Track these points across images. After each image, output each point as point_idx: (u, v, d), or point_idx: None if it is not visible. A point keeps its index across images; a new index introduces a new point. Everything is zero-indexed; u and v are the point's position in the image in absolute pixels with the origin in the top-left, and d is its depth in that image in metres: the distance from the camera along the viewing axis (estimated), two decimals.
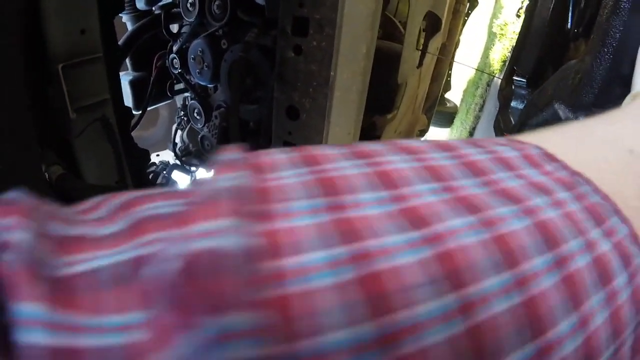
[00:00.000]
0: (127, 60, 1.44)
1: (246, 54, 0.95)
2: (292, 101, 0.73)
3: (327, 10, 0.62)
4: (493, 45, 4.35)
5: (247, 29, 1.00)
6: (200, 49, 1.08)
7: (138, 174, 1.09)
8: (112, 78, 0.92)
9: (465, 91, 5.06)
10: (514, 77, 1.66)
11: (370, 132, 1.06)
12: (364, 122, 1.06)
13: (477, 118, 4.06)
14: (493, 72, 3.98)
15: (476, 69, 4.55)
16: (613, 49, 0.97)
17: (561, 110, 1.10)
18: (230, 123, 0.94)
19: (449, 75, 4.15)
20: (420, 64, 1.11)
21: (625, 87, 0.97)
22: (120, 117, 0.95)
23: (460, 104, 4.97)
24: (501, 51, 3.93)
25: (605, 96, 0.97)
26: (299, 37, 0.67)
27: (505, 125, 1.54)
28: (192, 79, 1.18)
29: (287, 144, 0.78)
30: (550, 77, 1.27)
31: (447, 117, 4.92)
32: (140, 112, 1.32)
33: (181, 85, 1.35)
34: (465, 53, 5.58)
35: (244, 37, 1.00)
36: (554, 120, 1.16)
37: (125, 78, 1.44)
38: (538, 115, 1.20)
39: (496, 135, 1.59)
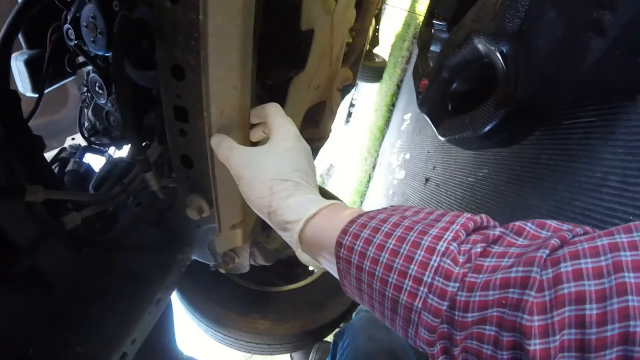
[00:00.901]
0: (20, 37, 1.30)
1: (130, 13, 0.85)
2: (176, 59, 0.64)
3: None
4: None
5: None
6: (91, 14, 0.97)
7: (33, 163, 0.99)
8: None
9: (392, 45, 5.06)
10: (434, 21, 1.62)
11: (285, 88, 0.99)
12: (276, 80, 0.99)
13: (404, 71, 4.07)
14: (419, 25, 3.99)
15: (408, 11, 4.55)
16: None
17: (481, 44, 1.01)
18: (117, 94, 0.85)
19: (377, 31, 4.15)
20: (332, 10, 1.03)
21: (559, 9, 0.84)
22: (1, 106, 0.84)
23: (388, 59, 4.97)
24: (427, 3, 3.92)
25: (535, 21, 0.87)
26: None
27: (424, 70, 1.50)
28: (89, 49, 1.07)
29: (177, 108, 0.70)
30: (470, 10, 1.16)
31: (377, 72, 4.94)
32: (38, 95, 1.19)
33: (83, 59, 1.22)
34: (392, 6, 5.57)
35: None
36: (474, 57, 1.09)
37: (20, 58, 1.30)
38: (456, 54, 1.11)
39: (415, 81, 1.56)
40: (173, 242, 1.17)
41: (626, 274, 0.31)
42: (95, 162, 1.61)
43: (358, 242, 0.48)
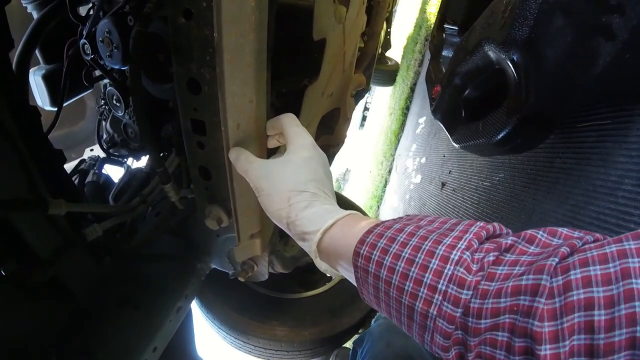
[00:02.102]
0: (38, 53, 1.33)
1: (145, 28, 0.87)
2: (191, 73, 0.65)
3: None
4: None
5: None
6: (106, 29, 0.99)
7: (54, 177, 1.01)
8: (2, 79, 0.83)
9: (405, 48, 5.04)
10: (445, 25, 1.62)
11: (296, 98, 1.00)
12: (291, 89, 1.00)
13: (417, 74, 4.05)
14: (430, 27, 3.97)
15: None
16: None
17: (492, 51, 1.01)
18: (135, 107, 0.87)
19: (388, 34, 4.14)
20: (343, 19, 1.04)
21: (569, 18, 0.85)
22: (21, 120, 0.86)
23: (401, 61, 4.95)
24: (437, 5, 3.90)
25: (543, 28, 0.88)
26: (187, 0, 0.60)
27: (436, 76, 1.50)
28: (105, 63, 1.09)
29: (194, 121, 0.71)
30: (480, 17, 1.16)
31: (390, 76, 4.92)
32: (57, 108, 1.21)
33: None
34: (403, 9, 5.56)
35: (144, 9, 0.92)
36: (485, 64, 1.09)
37: (38, 73, 1.33)
38: (468, 61, 1.12)
39: (428, 86, 1.56)
40: (192, 251, 1.18)
41: (634, 280, 0.32)
42: (114, 172, 1.64)
43: (375, 252, 0.50)
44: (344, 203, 2.50)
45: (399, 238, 0.49)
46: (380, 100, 6.14)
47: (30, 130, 0.94)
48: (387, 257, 0.48)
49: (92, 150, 2.81)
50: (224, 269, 1.21)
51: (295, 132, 0.69)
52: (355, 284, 0.56)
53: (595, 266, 0.34)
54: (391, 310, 0.49)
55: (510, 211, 1.40)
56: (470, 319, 0.41)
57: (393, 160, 4.16)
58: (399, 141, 4.12)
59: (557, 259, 0.37)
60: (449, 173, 2.14)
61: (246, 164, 0.66)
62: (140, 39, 0.84)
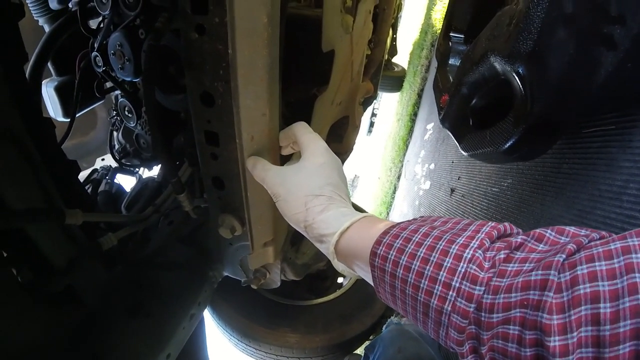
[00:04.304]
0: (50, 66, 1.36)
1: (157, 42, 0.88)
2: (205, 87, 0.67)
3: None
4: (434, 5, 4.33)
5: (159, 13, 0.93)
6: (118, 42, 1.01)
7: (69, 187, 1.02)
8: (18, 91, 0.85)
9: (411, 54, 5.05)
10: (450, 34, 1.63)
11: (310, 106, 1.02)
12: (303, 97, 1.01)
13: (424, 79, 4.05)
14: (436, 33, 3.97)
15: None
16: None
17: (497, 63, 1.03)
18: (148, 117, 0.88)
19: (394, 40, 4.15)
20: (350, 29, 1.06)
21: (570, 30, 0.88)
22: (36, 133, 0.88)
23: (408, 67, 4.96)
24: (443, 11, 3.90)
25: (547, 41, 0.90)
26: (200, 15, 0.62)
27: (444, 84, 1.51)
28: (117, 75, 1.11)
29: (208, 133, 0.73)
30: (485, 28, 1.19)
31: (397, 82, 4.93)
32: (70, 119, 1.23)
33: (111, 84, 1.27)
34: (408, 15, 5.57)
35: (155, 23, 0.94)
36: (491, 74, 1.10)
37: (50, 85, 1.35)
38: (474, 71, 1.14)
39: (435, 95, 1.57)
40: (205, 259, 1.19)
41: (637, 274, 0.34)
42: (126, 182, 1.66)
43: (391, 252, 0.52)
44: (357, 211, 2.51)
45: (414, 238, 0.51)
46: (388, 107, 6.14)
47: (44, 141, 0.96)
48: (403, 257, 0.50)
49: (103, 159, 2.83)
50: (236, 277, 1.22)
51: (308, 138, 0.71)
52: (372, 284, 0.58)
53: (601, 262, 0.36)
54: (407, 307, 0.51)
55: (519, 216, 1.40)
56: (483, 314, 0.43)
57: (402, 166, 4.16)
58: (407, 147, 4.12)
59: (564, 256, 0.39)
60: (458, 179, 2.14)
61: (263, 171, 0.68)
62: (153, 53, 0.85)
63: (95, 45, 1.10)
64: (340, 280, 2.36)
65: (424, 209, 2.72)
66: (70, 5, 1.21)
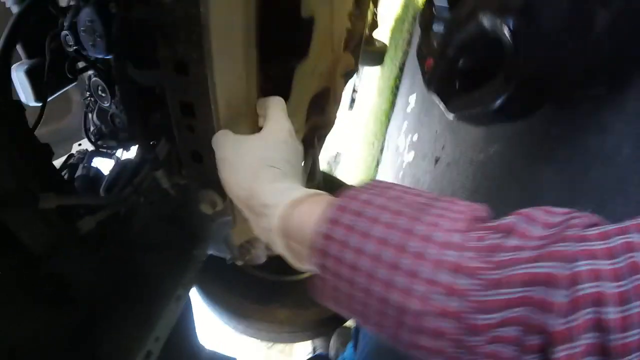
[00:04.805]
0: (19, 48, 1.30)
1: (128, 13, 0.85)
2: (179, 55, 0.64)
3: None
4: None
5: None
6: (88, 19, 0.97)
7: (42, 171, 0.99)
8: None
9: (392, 29, 5.01)
10: (435, 2, 1.60)
11: (289, 77, 0.99)
12: (279, 69, 0.98)
13: (406, 53, 4.02)
14: (418, 7, 3.93)
15: None
16: None
17: (486, 19, 0.99)
18: (121, 96, 0.85)
19: (375, 15, 4.11)
20: None
21: None
22: (5, 117, 0.86)
23: (389, 42, 4.92)
24: None
25: None
26: None
27: (428, 51, 1.48)
28: (88, 54, 1.07)
29: (183, 104, 0.70)
30: None
31: (378, 56, 4.89)
32: (42, 103, 1.19)
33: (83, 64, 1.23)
34: None
35: None
36: (480, 32, 1.06)
37: (20, 68, 1.31)
38: (461, 30, 1.10)
39: (419, 62, 1.54)
40: (188, 238, 1.18)
41: None
42: (104, 165, 1.62)
43: (341, 232, 0.43)
44: (336, 184, 2.50)
45: (367, 212, 0.43)
46: (369, 82, 6.12)
47: (14, 125, 0.93)
48: (353, 238, 0.41)
49: (80, 145, 2.78)
50: (221, 254, 1.21)
51: (278, 115, 0.67)
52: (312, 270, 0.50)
53: (604, 260, 0.32)
54: (353, 304, 0.42)
55: (507, 183, 1.40)
56: (472, 315, 0.35)
57: (384, 140, 4.16)
58: (389, 121, 4.12)
59: (572, 244, 0.34)
60: (442, 148, 2.14)
61: (221, 135, 0.64)
62: (124, 26, 0.82)
63: (65, 24, 1.06)
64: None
65: (409, 180, 2.72)
66: None
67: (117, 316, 1.02)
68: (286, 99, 0.97)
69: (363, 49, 2.05)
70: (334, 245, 0.43)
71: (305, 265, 0.53)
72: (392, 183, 0.49)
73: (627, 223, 0.34)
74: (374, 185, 0.49)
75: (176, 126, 0.76)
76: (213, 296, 1.95)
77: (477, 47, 1.10)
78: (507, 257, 0.36)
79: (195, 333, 1.47)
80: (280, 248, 0.55)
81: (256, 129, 0.73)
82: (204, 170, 0.82)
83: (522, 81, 0.94)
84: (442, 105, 1.30)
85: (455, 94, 1.22)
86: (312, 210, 0.49)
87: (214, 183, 0.84)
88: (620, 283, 0.31)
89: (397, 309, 0.38)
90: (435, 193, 0.45)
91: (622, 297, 0.30)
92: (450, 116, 1.25)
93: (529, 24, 0.88)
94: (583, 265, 0.32)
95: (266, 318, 1.88)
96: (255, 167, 0.58)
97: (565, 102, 1.15)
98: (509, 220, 0.40)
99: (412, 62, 3.55)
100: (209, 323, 2.14)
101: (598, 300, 0.31)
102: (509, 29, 0.91)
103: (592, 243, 0.34)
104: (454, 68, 1.20)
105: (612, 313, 0.30)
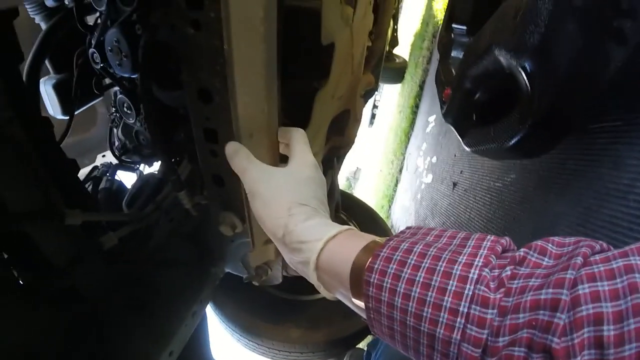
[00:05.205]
0: (47, 63, 1.35)
1: (153, 37, 0.87)
2: (202, 83, 0.66)
3: None
4: None
5: (156, 9, 0.92)
6: (115, 39, 1.00)
7: (68, 186, 1.02)
8: (15, 92, 0.84)
9: (412, 45, 5.02)
10: (453, 25, 1.61)
11: (310, 99, 1.00)
12: (303, 90, 1.00)
13: (426, 71, 4.03)
14: (437, 23, 3.94)
15: None
16: None
17: (502, 57, 1.02)
18: (146, 116, 0.87)
19: (395, 31, 4.12)
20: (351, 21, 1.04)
21: (579, 23, 0.85)
22: (34, 133, 0.87)
23: (409, 59, 4.93)
24: (444, 1, 3.87)
25: (555, 36, 0.88)
26: (195, 10, 0.60)
27: (446, 77, 1.50)
28: (114, 72, 1.10)
29: (207, 130, 0.72)
30: (489, 20, 1.18)
31: (398, 73, 4.90)
32: (69, 117, 1.23)
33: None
34: (409, 5, 5.54)
35: (152, 19, 0.92)
36: (496, 68, 1.08)
37: (48, 83, 1.35)
38: (477, 64, 1.12)
39: (438, 88, 1.56)
40: (206, 256, 1.19)
41: None
42: (127, 179, 1.65)
43: (386, 279, 0.47)
44: (355, 203, 2.50)
45: (409, 261, 0.47)
46: (389, 98, 6.12)
47: (43, 141, 0.95)
48: (400, 284, 0.46)
49: (104, 156, 2.83)
50: (237, 273, 1.22)
51: (301, 149, 0.69)
52: (351, 307, 0.54)
53: (603, 282, 0.35)
54: (408, 341, 0.46)
55: (522, 212, 1.39)
56: (490, 338, 0.39)
57: (404, 159, 4.15)
58: (409, 140, 4.11)
59: (574, 272, 0.37)
60: (461, 173, 2.14)
61: (245, 161, 0.65)
62: (149, 49, 0.84)
63: (93, 41, 1.09)
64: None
65: (426, 203, 2.71)
66: (66, 2, 1.20)
67: (131, 330, 1.03)
68: (307, 122, 0.99)
69: (383, 66, 2.06)
70: (385, 293, 0.47)
71: (336, 296, 0.57)
72: (428, 229, 0.54)
73: (632, 246, 0.37)
74: (412, 233, 0.53)
75: (199, 150, 0.78)
76: (226, 312, 1.96)
77: (494, 82, 1.11)
78: (520, 284, 0.40)
79: (209, 348, 1.48)
80: (312, 279, 0.58)
81: (277, 155, 0.75)
82: (225, 194, 0.84)
83: (537, 121, 0.94)
84: (459, 138, 1.31)
85: (471, 128, 1.22)
86: (346, 246, 0.54)
87: (234, 206, 0.85)
88: (618, 302, 0.33)
89: (428, 336, 0.43)
90: (464, 232, 0.50)
91: (619, 315, 0.33)
92: (467, 149, 1.26)
93: (544, 64, 0.90)
94: (584, 289, 0.35)
95: (279, 337, 1.88)
96: (288, 205, 0.60)
97: (581, 136, 1.15)
98: (523, 251, 0.44)
99: (432, 81, 3.56)
100: (221, 339, 2.15)
101: (597, 320, 0.33)
102: (525, 69, 0.93)
103: (595, 267, 0.37)
104: (470, 100, 1.21)
105: (609, 330, 0.33)
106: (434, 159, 2.77)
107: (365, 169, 7.62)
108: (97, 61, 1.09)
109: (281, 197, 0.61)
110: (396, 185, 4.28)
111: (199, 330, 1.36)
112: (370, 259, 0.50)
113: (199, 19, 0.60)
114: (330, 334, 1.91)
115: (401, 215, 3.70)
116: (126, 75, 1.07)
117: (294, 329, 1.90)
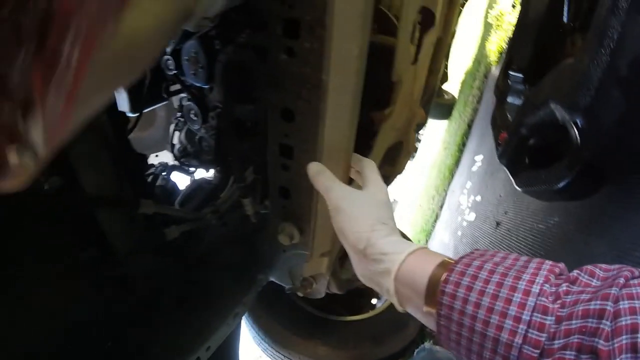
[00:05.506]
0: None
1: (239, 56, 0.95)
2: (286, 103, 0.73)
3: (317, 11, 0.62)
4: (489, 36, 4.30)
5: (240, 29, 1.00)
6: (193, 50, 1.08)
7: (136, 179, 1.09)
8: None
9: (462, 82, 4.99)
10: (510, 72, 1.66)
11: (367, 128, 1.06)
12: (361, 118, 1.06)
13: (475, 110, 4.01)
14: (489, 64, 3.94)
15: None
16: (610, 50, 0.98)
17: (558, 111, 1.13)
18: (223, 127, 0.94)
19: (446, 67, 4.10)
20: (415, 60, 1.10)
21: (623, 91, 0.99)
22: (114, 123, 0.94)
23: (458, 96, 4.91)
24: (497, 42, 3.88)
25: (603, 99, 1.00)
26: (291, 39, 0.68)
27: (502, 122, 1.55)
28: (187, 80, 1.18)
29: (283, 146, 0.79)
30: (547, 75, 1.30)
31: (445, 109, 4.87)
32: (137, 114, 1.31)
33: (177, 86, 1.35)
34: (461, 43, 5.53)
35: (236, 38, 1.00)
36: (551, 120, 1.19)
37: None
38: (535, 114, 1.23)
39: (493, 131, 1.60)
40: (256, 262, 1.24)
41: None
42: (179, 180, 1.73)
43: (460, 290, 0.54)
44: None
45: (480, 275, 0.54)
46: (433, 134, 6.09)
47: (120, 133, 1.03)
48: (472, 294, 0.53)
49: (157, 156, 2.93)
50: (281, 283, 1.27)
51: (376, 177, 0.76)
52: (421, 319, 0.61)
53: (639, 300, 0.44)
54: (473, 345, 0.53)
55: (563, 253, 1.42)
56: (546, 342, 0.47)
57: (445, 195, 4.12)
58: (453, 177, 4.08)
59: (618, 289, 0.45)
60: (505, 213, 2.14)
61: (329, 181, 0.72)
62: (231, 66, 0.91)
63: (168, 49, 1.17)
64: (374, 301, 2.38)
65: (467, 240, 2.70)
66: None
67: (174, 321, 1.08)
68: (366, 149, 1.04)
69: (433, 101, 2.11)
70: (457, 302, 0.54)
71: (407, 305, 0.64)
72: (494, 251, 0.61)
73: None
74: (481, 254, 0.60)
75: (272, 163, 0.84)
76: (259, 321, 2.00)
77: (547, 131, 1.21)
78: (573, 299, 0.48)
79: (238, 352, 1.52)
80: (388, 290, 0.64)
81: (347, 177, 0.82)
82: (288, 205, 0.90)
83: (584, 169, 1.06)
84: (511, 178, 1.39)
85: (523, 170, 1.31)
86: (424, 260, 0.61)
87: (295, 218, 0.91)
88: None
89: (493, 340, 0.50)
90: (525, 256, 0.58)
91: None
92: (519, 189, 1.33)
93: (593, 122, 1.02)
94: (624, 304, 0.43)
95: (306, 351, 1.91)
96: (371, 222, 0.68)
97: (622, 184, 1.23)
98: (576, 273, 0.53)
99: (481, 122, 3.53)
100: (249, 347, 2.18)
101: (633, 329, 0.41)
102: (576, 124, 1.05)
103: (633, 288, 0.45)
104: (525, 145, 1.30)
105: None
106: (478, 198, 2.77)
107: (403, 203, 7.55)
108: (171, 68, 1.17)
109: (364, 215, 0.69)
110: (435, 220, 4.24)
111: (232, 333, 1.41)
112: (446, 272, 0.57)
113: (294, 47, 0.67)
114: (357, 357, 1.93)
115: (439, 250, 3.65)
116: (198, 85, 1.15)
117: (321, 346, 1.93)
